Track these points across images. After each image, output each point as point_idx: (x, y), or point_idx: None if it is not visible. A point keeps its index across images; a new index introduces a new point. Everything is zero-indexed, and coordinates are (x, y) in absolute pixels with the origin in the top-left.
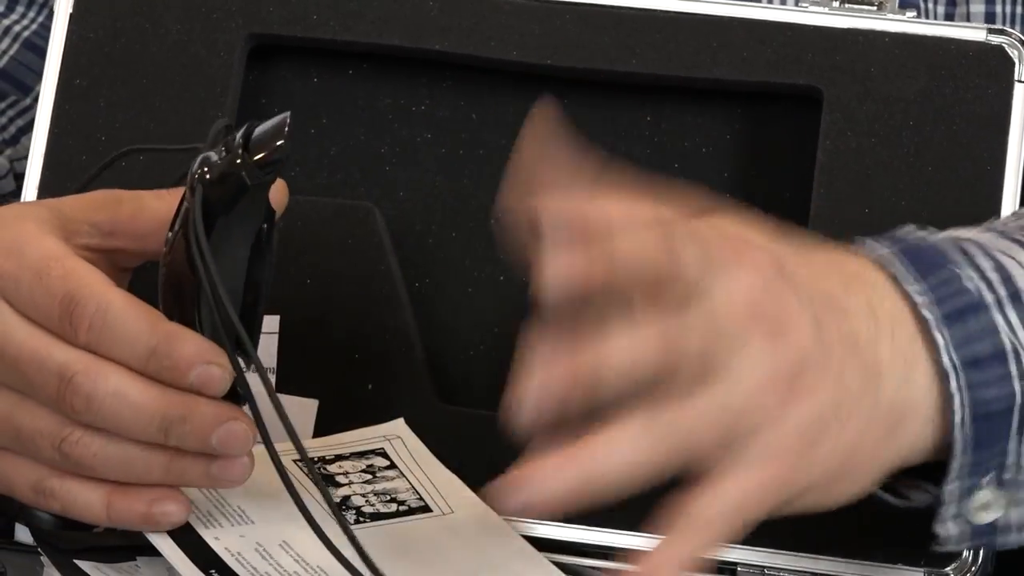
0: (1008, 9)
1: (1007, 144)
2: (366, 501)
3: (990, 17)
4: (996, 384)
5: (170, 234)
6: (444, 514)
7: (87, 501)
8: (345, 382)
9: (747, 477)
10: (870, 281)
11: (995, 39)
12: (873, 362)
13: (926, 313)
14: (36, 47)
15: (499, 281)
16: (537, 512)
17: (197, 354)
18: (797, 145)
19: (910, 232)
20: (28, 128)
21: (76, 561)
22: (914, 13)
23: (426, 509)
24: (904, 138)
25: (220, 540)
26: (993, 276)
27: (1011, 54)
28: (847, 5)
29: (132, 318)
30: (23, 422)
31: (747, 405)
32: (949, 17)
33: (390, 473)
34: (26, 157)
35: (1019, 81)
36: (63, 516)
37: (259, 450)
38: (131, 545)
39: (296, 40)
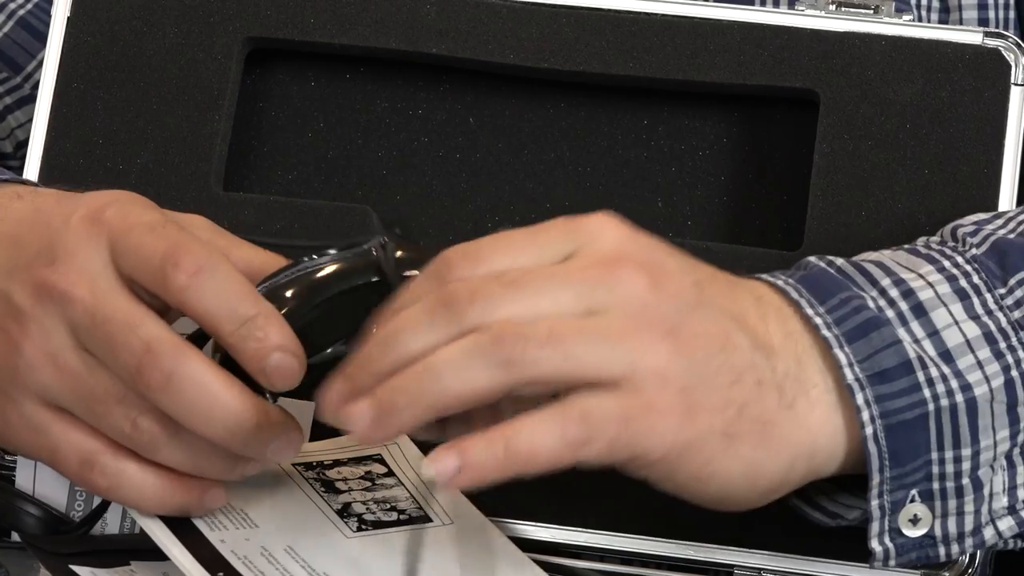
0: (1001, 15)
1: (1003, 146)
2: (367, 509)
3: (983, 24)
4: (906, 394)
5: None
6: (444, 524)
7: (140, 483)
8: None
9: (626, 406)
10: (766, 295)
11: (991, 42)
12: (764, 336)
13: (826, 333)
14: (30, 26)
15: None
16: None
17: (285, 340)
18: (794, 148)
19: (811, 263)
20: (16, 107)
21: (71, 566)
22: (911, 17)
23: (426, 519)
24: (901, 141)
25: (226, 543)
26: (894, 292)
27: (1007, 57)
28: (843, 9)
29: (236, 283)
30: (98, 386)
31: (630, 335)
32: (943, 23)
33: (389, 481)
34: (8, 137)
35: (1015, 84)
36: (105, 496)
37: None
38: (125, 549)
39: (293, 44)
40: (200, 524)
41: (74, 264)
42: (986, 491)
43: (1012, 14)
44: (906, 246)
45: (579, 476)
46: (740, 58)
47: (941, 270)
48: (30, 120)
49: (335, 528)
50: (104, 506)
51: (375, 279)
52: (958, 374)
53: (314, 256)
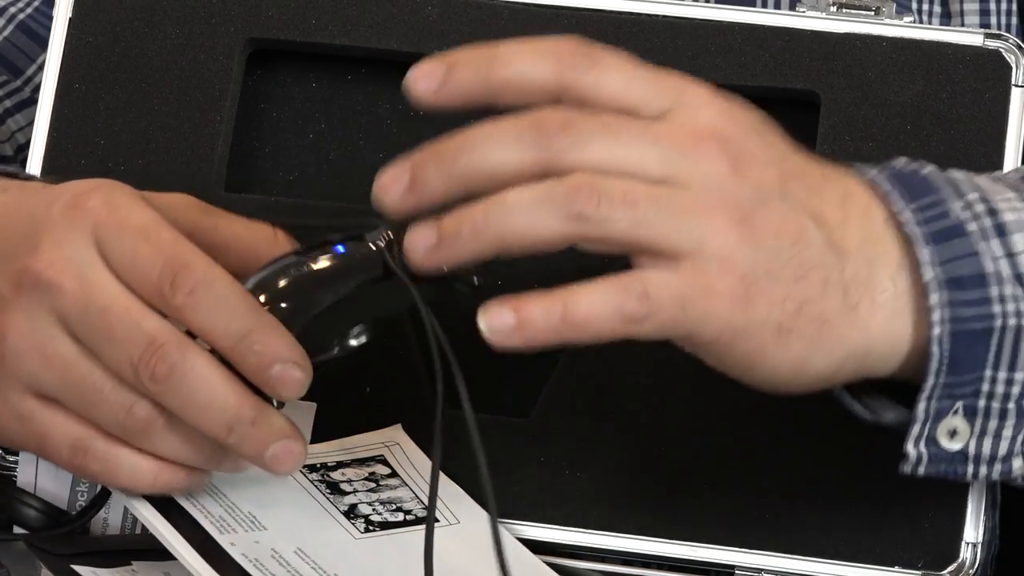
0: (1003, 21)
1: (1004, 148)
2: (373, 510)
3: (984, 29)
4: (976, 304)
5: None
6: (450, 524)
7: (134, 466)
8: (343, 385)
9: (688, 284)
10: (855, 193)
11: (992, 44)
12: (841, 237)
13: (913, 229)
14: (30, 30)
15: (498, 285)
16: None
17: (287, 351)
18: None
19: (902, 163)
20: (15, 110)
21: (72, 566)
22: (911, 18)
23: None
24: (901, 142)
25: (236, 546)
26: (979, 208)
27: (1008, 59)
28: (844, 10)
29: (235, 296)
30: (91, 375)
31: (704, 214)
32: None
33: (393, 482)
34: (8, 140)
35: (1016, 85)
36: (98, 481)
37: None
38: (127, 549)
39: (295, 45)
40: (209, 527)
41: (59, 252)
42: None
43: (1015, 20)
44: (987, 175)
45: (580, 476)
46: (741, 59)
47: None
48: (30, 124)
49: (343, 529)
50: (104, 495)
51: (380, 275)
52: None
53: (311, 247)
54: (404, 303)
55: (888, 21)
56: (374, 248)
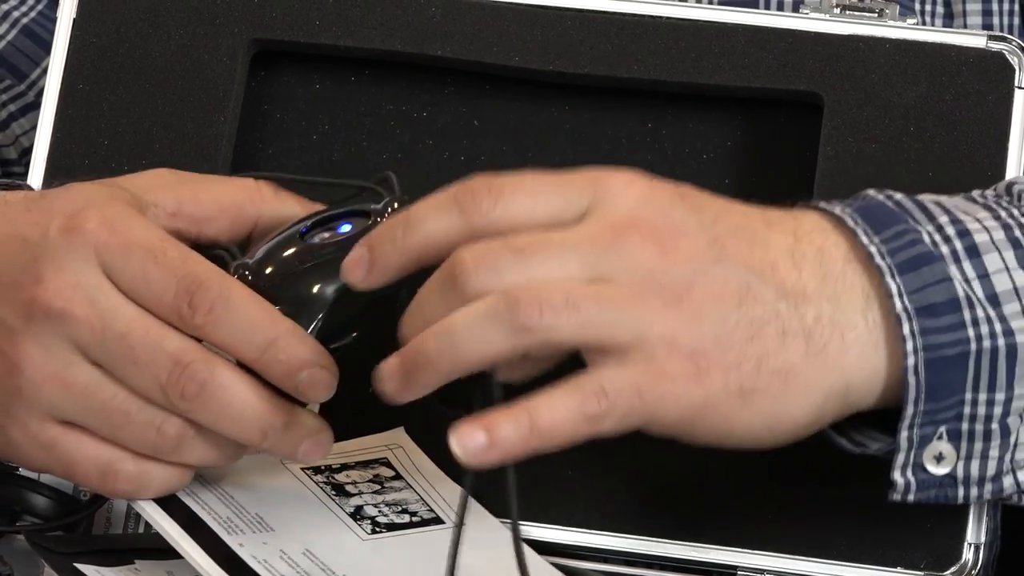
0: (1006, 21)
1: (1007, 150)
2: (379, 512)
3: (988, 30)
4: (950, 331)
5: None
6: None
7: (164, 478)
8: (345, 386)
9: (639, 374)
10: (807, 235)
11: (995, 46)
12: (794, 284)
13: (880, 262)
14: (34, 34)
15: None
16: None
17: (311, 355)
18: (798, 151)
19: (869, 195)
20: (20, 114)
21: (76, 564)
22: (915, 20)
23: (438, 520)
24: (905, 144)
25: (244, 547)
26: (950, 231)
27: (1011, 60)
28: (848, 12)
29: (254, 308)
30: (113, 399)
31: (636, 305)
32: (946, 28)
33: (397, 484)
34: (13, 144)
35: (1019, 87)
36: (127, 499)
37: (268, 458)
38: (130, 548)
39: (299, 46)
40: (217, 528)
41: (64, 280)
42: (1012, 439)
43: (1017, 20)
44: (962, 195)
45: (580, 477)
46: (744, 61)
47: (996, 218)
48: (34, 127)
49: (349, 530)
50: None
51: None
52: (1003, 318)
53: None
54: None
55: (891, 23)
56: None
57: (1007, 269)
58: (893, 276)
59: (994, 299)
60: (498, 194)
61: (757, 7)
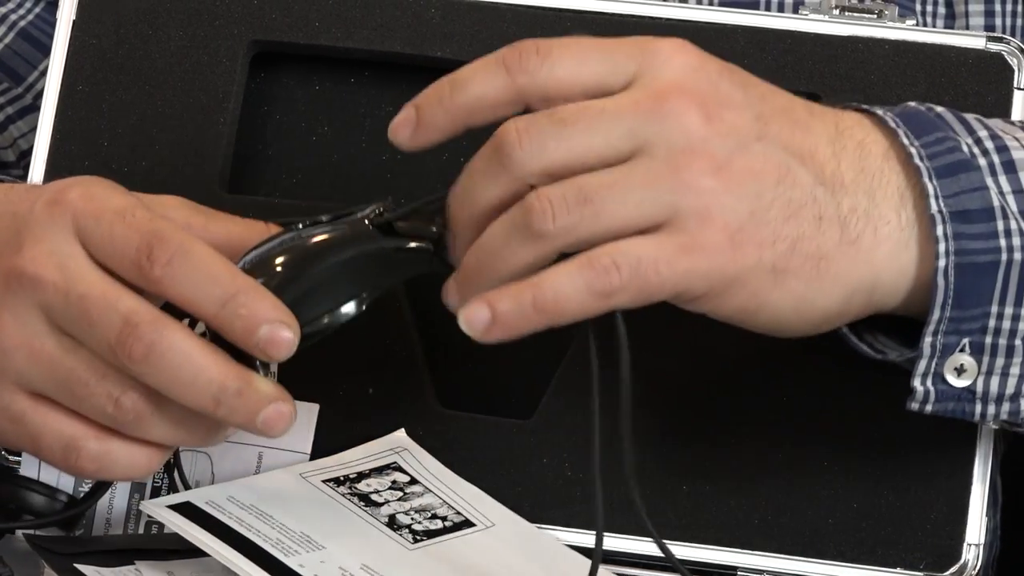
0: (1008, 21)
1: None
2: (412, 519)
3: (989, 30)
4: (982, 238)
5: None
6: (487, 527)
7: (129, 457)
8: (346, 386)
9: (662, 248)
10: (848, 128)
11: (994, 47)
12: (832, 172)
13: (918, 163)
14: (32, 37)
15: None
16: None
17: (272, 311)
18: None
19: (910, 105)
20: (17, 117)
21: (75, 565)
22: (914, 21)
23: (468, 523)
24: None
25: (305, 567)
26: (989, 144)
27: (1010, 62)
28: (847, 13)
29: (214, 263)
30: (77, 368)
31: (670, 176)
32: (949, 29)
33: (416, 489)
34: (11, 147)
35: (1018, 88)
36: (93, 478)
37: (298, 472)
38: (130, 549)
39: (298, 47)
40: (275, 552)
41: (42, 248)
42: None
43: (1020, 21)
44: (1001, 119)
45: (581, 477)
46: (744, 62)
47: None
48: (33, 130)
49: (394, 541)
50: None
51: (371, 247)
52: None
53: (304, 224)
54: (394, 278)
55: (890, 24)
56: (365, 221)
57: None
58: (931, 178)
59: None
60: (545, 55)
61: (757, 8)
